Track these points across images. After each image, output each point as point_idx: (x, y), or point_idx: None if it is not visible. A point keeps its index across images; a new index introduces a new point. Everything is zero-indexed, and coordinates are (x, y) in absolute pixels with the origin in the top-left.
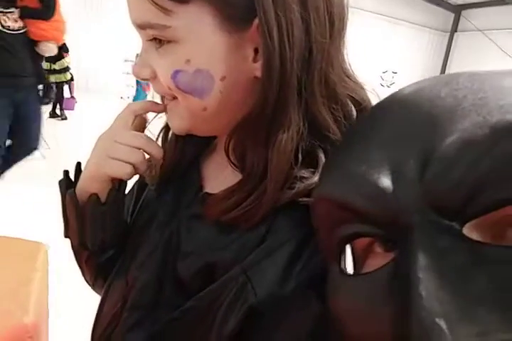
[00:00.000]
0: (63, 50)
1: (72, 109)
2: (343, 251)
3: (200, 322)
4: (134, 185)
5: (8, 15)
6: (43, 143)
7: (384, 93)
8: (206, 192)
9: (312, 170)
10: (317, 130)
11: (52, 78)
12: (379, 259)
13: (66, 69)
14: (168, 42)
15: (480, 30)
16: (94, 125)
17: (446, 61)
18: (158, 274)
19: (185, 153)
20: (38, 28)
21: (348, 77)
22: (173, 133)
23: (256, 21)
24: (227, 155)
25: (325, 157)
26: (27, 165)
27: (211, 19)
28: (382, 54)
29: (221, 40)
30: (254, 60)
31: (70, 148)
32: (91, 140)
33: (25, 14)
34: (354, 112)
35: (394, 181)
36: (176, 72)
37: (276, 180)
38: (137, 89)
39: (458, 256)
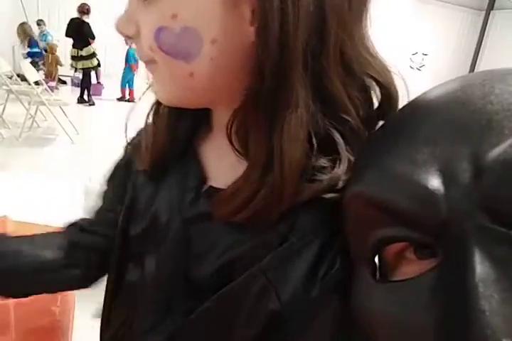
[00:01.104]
0: (90, 36)
1: (100, 95)
2: (375, 256)
3: (219, 324)
4: (115, 170)
5: None
6: (71, 128)
7: (414, 76)
8: (211, 186)
9: (330, 157)
10: (333, 110)
11: (80, 64)
12: (413, 267)
13: (93, 55)
14: None
15: None
16: (122, 110)
17: (481, 42)
18: (170, 278)
19: (178, 130)
20: None
21: (370, 55)
22: (164, 109)
23: None
24: (230, 140)
25: (344, 143)
26: (57, 150)
27: None
28: (412, 35)
29: None
30: (252, 23)
31: (97, 133)
32: (118, 125)
33: None
34: (379, 96)
35: (445, 183)
36: (160, 30)
37: (290, 171)
38: (124, 69)
39: None
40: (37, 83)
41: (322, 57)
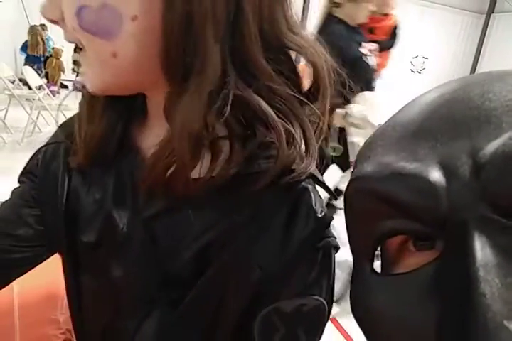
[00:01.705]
0: None
1: None
2: (376, 250)
3: (208, 310)
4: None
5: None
6: None
7: (414, 79)
8: None
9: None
10: (255, 78)
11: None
12: (414, 259)
13: None
14: None
15: None
16: None
17: (482, 45)
18: (144, 276)
19: (112, 121)
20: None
21: (293, 33)
22: (95, 100)
23: None
24: (166, 117)
25: (272, 109)
26: None
27: None
28: (412, 38)
29: None
30: None
31: None
32: None
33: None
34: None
35: (445, 175)
36: (80, 9)
37: (182, 133)
38: None
39: None
40: (39, 88)
41: (238, 30)
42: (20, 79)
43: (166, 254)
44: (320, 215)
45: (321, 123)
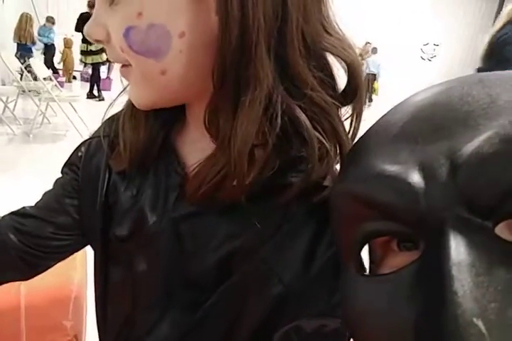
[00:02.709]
0: None
1: (109, 90)
2: (361, 250)
3: (226, 317)
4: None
5: None
6: (81, 124)
7: (425, 67)
8: None
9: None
10: (298, 89)
11: (89, 59)
12: (398, 259)
13: (102, 50)
14: None
15: None
16: None
17: None
18: (166, 276)
19: (155, 128)
20: None
21: (330, 35)
22: (138, 111)
23: None
24: (206, 128)
25: (310, 122)
26: (67, 145)
27: None
28: (423, 25)
29: None
30: (217, 12)
31: None
32: None
33: None
34: (345, 74)
35: (424, 177)
36: (128, 30)
37: (243, 147)
38: None
39: (491, 256)
40: (49, 79)
41: (284, 38)
42: (29, 71)
43: (189, 256)
44: None
45: (355, 124)
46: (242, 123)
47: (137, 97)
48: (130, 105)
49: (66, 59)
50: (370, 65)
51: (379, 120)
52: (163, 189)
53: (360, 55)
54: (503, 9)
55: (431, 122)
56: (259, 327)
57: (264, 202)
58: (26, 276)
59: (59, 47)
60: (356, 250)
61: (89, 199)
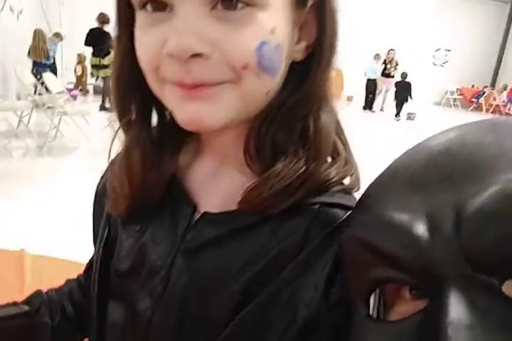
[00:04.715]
0: (111, 45)
1: None
2: (371, 295)
3: None
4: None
5: None
6: (94, 136)
7: (437, 72)
8: (206, 213)
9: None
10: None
11: (101, 73)
12: (408, 306)
13: None
14: (245, 6)
15: None
16: None
17: (507, 36)
18: (174, 312)
19: (162, 164)
20: None
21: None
22: (140, 148)
23: (310, 2)
24: (248, 150)
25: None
26: (78, 158)
27: None
28: (434, 31)
29: (290, 13)
30: (297, 42)
31: None
32: None
33: None
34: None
35: (429, 229)
36: (263, 44)
37: (322, 156)
38: None
39: (495, 316)
40: (58, 92)
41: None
42: (42, 83)
43: (205, 288)
44: None
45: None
46: (321, 136)
47: (214, 117)
48: (127, 152)
49: (82, 74)
50: (367, 71)
51: (392, 164)
52: (170, 221)
53: (384, 62)
54: None
55: (441, 171)
56: None
57: (285, 223)
58: None
59: (66, 62)
60: (366, 294)
61: (99, 234)
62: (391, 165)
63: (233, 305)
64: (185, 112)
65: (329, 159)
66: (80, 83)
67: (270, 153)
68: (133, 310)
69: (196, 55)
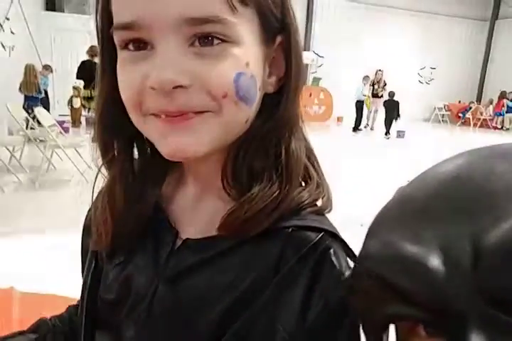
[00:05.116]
0: None
1: None
2: (386, 330)
3: None
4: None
5: None
6: (87, 168)
7: (423, 90)
8: (188, 239)
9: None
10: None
11: (93, 105)
12: None
13: None
14: (221, 42)
15: None
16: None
17: (489, 52)
18: (155, 337)
19: (146, 199)
20: None
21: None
22: (123, 182)
23: (279, 38)
24: (225, 176)
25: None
26: (71, 191)
27: (256, 27)
28: (419, 50)
29: (260, 49)
30: (269, 76)
31: None
32: None
33: None
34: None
35: (445, 263)
36: (239, 75)
37: (293, 180)
38: None
39: None
40: (50, 126)
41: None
42: (34, 117)
43: (189, 313)
44: (344, 278)
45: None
46: (292, 162)
47: (198, 144)
48: (110, 188)
49: (77, 107)
50: (356, 92)
51: (402, 191)
52: (153, 249)
53: (373, 83)
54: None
55: (454, 201)
56: None
57: (261, 247)
58: None
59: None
60: (381, 329)
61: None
62: (400, 192)
63: (214, 330)
64: (169, 144)
65: (303, 183)
66: (76, 116)
67: (246, 178)
68: (119, 339)
69: (178, 86)
